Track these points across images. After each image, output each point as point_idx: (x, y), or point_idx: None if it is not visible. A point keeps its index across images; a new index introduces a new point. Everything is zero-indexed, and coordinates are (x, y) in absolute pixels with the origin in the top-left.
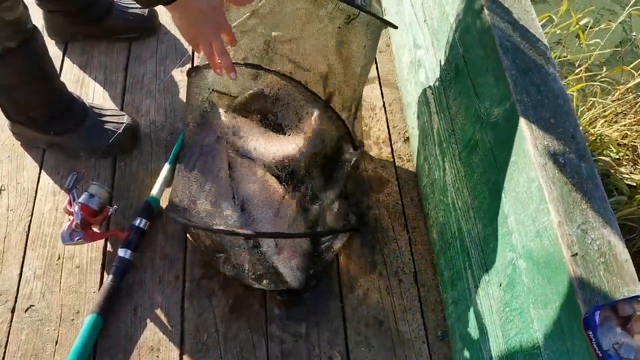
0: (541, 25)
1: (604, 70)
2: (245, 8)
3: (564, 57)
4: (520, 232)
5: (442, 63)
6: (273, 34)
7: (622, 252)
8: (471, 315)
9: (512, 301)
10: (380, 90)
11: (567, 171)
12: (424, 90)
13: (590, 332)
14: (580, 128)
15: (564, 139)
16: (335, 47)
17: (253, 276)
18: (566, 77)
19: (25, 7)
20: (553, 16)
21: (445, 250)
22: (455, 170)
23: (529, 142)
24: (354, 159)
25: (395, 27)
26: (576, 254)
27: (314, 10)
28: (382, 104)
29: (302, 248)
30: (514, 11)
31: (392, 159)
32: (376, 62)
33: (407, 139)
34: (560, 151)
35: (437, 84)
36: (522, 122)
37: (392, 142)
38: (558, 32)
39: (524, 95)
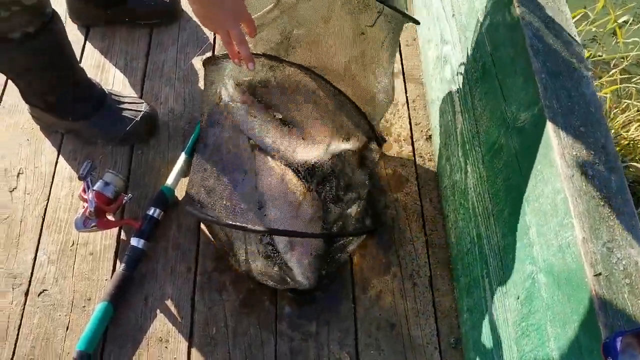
0: (575, 22)
1: None
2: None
3: (599, 56)
4: (541, 245)
5: (469, 61)
6: (294, 28)
7: None
8: (486, 325)
9: (529, 316)
10: (404, 86)
11: (596, 184)
12: (449, 88)
13: (611, 359)
14: (612, 131)
15: (594, 149)
16: (356, 41)
17: (265, 275)
18: (600, 78)
19: None
20: (589, 12)
21: (463, 255)
22: (477, 174)
23: (557, 151)
24: (377, 157)
25: (418, 23)
26: (600, 273)
27: (335, 5)
28: (405, 99)
29: (316, 247)
30: (546, 9)
31: (412, 158)
32: (401, 56)
33: (429, 137)
34: (589, 162)
35: (462, 82)
36: (550, 130)
37: (414, 140)
38: (593, 29)
39: (553, 101)
